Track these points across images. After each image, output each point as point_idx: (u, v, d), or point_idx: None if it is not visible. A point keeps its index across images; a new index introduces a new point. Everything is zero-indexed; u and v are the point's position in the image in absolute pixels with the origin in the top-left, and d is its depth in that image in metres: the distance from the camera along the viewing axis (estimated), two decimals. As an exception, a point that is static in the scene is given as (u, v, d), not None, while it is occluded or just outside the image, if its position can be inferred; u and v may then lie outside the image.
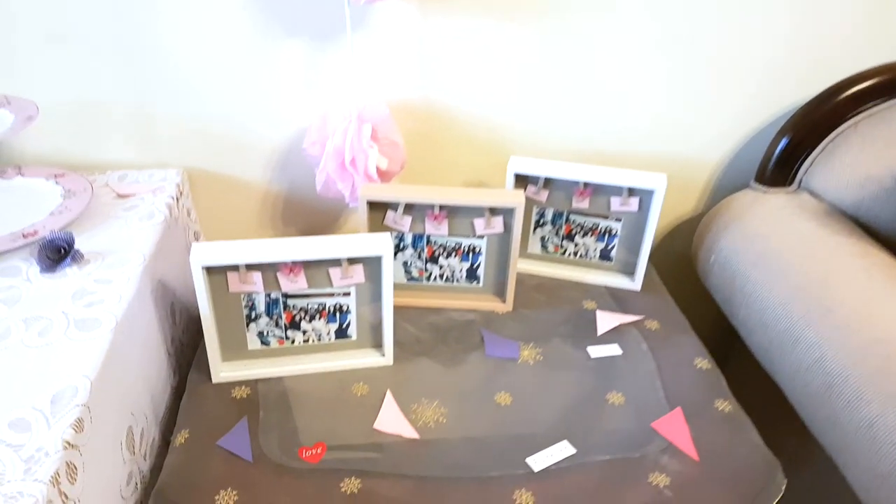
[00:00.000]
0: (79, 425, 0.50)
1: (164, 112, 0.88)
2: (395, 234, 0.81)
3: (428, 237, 0.82)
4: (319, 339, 0.74)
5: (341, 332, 0.75)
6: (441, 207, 0.79)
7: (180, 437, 0.65)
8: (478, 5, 0.84)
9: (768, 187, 0.93)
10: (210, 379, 0.71)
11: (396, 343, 0.75)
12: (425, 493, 0.60)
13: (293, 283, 0.70)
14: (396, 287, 0.83)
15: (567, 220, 0.89)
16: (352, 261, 0.70)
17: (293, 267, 0.69)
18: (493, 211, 0.79)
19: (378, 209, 0.80)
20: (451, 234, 0.81)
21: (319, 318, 0.73)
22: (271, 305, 0.71)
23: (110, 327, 0.59)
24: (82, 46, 0.83)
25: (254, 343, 0.73)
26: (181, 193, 0.88)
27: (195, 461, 0.62)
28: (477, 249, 0.82)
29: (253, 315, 0.71)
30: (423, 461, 0.63)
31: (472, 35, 0.87)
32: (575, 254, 0.91)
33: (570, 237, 0.90)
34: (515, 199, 0.77)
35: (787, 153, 0.91)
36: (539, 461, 0.63)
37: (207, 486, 0.60)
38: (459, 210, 0.79)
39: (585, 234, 0.89)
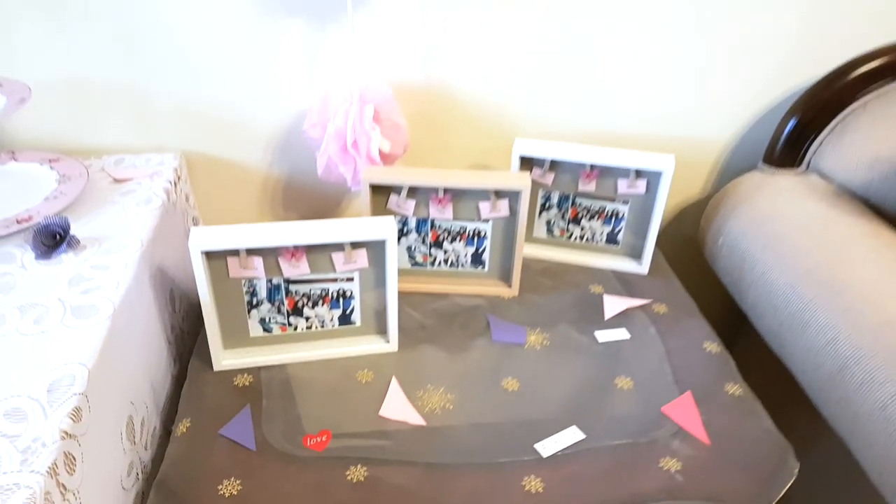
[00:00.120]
0: (77, 415, 0.49)
1: (161, 94, 0.87)
2: (398, 218, 0.80)
3: (432, 221, 0.80)
4: (323, 326, 0.73)
5: (345, 319, 0.73)
6: (445, 191, 0.77)
7: (182, 427, 0.64)
8: (481, -18, 0.83)
9: (777, 168, 0.92)
10: (211, 367, 0.70)
11: (401, 329, 0.74)
12: (433, 480, 0.59)
13: (295, 269, 0.68)
14: (400, 272, 0.82)
15: (573, 203, 0.87)
16: (355, 245, 0.68)
17: (295, 252, 0.67)
18: (499, 194, 0.77)
19: (381, 193, 0.79)
20: (455, 217, 0.79)
21: (322, 304, 0.72)
22: (273, 291, 0.70)
23: (108, 314, 0.58)
24: (77, 25, 0.80)
25: (256, 330, 0.72)
26: (179, 178, 0.86)
27: (197, 450, 0.61)
28: (482, 233, 0.81)
29: (254, 301, 0.70)
30: (430, 448, 0.62)
31: (476, 14, 0.85)
32: (581, 237, 0.90)
33: (576, 220, 0.89)
34: (521, 181, 0.76)
35: (796, 134, 0.90)
36: (548, 447, 0.62)
37: (210, 475, 0.59)
38: (464, 193, 0.78)
39: (592, 218, 0.88)
